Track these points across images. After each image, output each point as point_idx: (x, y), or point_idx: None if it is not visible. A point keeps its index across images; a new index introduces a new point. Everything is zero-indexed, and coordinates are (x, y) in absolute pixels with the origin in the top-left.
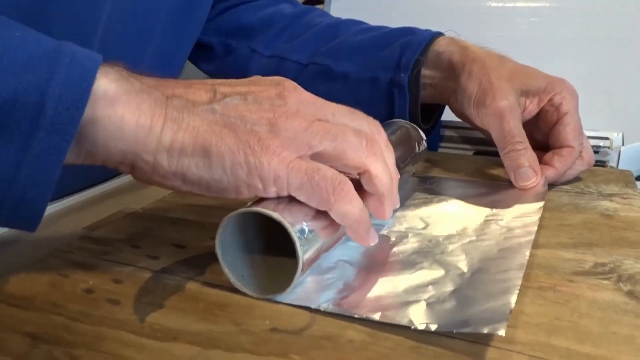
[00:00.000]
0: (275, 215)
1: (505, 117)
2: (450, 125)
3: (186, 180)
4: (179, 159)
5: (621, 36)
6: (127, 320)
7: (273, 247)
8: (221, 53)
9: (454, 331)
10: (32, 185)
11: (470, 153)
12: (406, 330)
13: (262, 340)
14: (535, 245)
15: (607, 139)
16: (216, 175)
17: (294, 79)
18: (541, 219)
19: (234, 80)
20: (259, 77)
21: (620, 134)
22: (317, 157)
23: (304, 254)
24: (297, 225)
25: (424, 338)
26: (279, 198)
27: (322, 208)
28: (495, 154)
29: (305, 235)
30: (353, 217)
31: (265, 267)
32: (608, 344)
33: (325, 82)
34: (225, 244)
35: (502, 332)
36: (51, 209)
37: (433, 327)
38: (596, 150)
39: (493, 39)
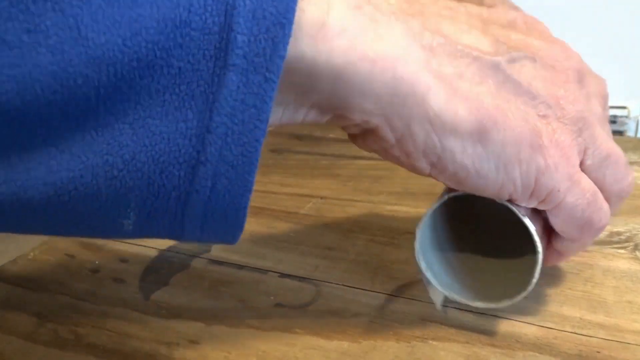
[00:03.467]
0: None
1: None
2: None
3: (438, 164)
4: (442, 136)
5: None
6: (132, 299)
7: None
8: None
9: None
10: (227, 167)
11: None
12: (413, 304)
13: (266, 316)
14: None
15: (624, 107)
16: (484, 169)
17: None
18: None
19: (496, 10)
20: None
21: (638, 103)
22: None
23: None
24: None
25: (431, 312)
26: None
27: (572, 236)
28: None
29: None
30: (587, 245)
31: (459, 265)
32: (623, 313)
33: None
34: (423, 243)
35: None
36: None
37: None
38: (613, 119)
39: None
